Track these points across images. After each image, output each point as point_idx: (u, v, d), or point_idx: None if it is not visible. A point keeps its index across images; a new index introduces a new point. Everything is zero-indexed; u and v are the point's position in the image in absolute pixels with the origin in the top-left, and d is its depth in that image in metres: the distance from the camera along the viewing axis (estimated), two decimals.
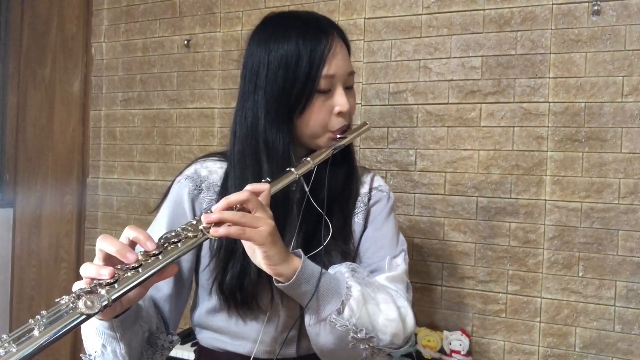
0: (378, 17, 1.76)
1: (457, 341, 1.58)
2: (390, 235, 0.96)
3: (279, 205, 0.85)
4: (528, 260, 1.57)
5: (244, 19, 1.97)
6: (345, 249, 0.92)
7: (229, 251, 0.87)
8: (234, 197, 0.72)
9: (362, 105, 1.77)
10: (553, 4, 1.55)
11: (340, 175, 0.95)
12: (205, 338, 0.96)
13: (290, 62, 0.86)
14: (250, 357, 0.90)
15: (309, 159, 0.86)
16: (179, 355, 1.61)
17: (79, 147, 2.30)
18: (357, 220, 0.96)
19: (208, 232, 0.69)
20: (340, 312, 0.78)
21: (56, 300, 0.60)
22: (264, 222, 0.72)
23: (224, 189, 0.92)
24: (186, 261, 0.92)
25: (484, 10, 1.63)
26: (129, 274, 0.63)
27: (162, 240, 0.68)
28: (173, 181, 0.98)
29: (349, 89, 0.93)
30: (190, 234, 0.69)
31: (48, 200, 2.34)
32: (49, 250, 2.34)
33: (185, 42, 2.06)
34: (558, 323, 1.54)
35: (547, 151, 1.56)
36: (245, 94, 0.91)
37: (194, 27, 2.05)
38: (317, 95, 0.88)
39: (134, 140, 2.18)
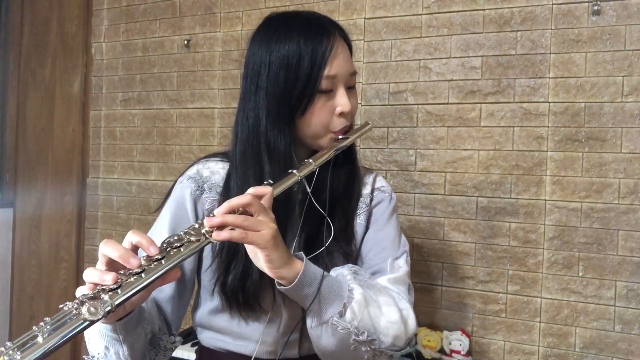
0: (378, 17, 1.76)
1: (457, 341, 1.58)
2: (392, 237, 0.96)
3: (281, 206, 0.85)
4: (528, 260, 1.57)
5: (244, 19, 1.97)
6: (347, 250, 0.92)
7: (232, 252, 0.87)
8: (236, 201, 0.72)
9: (362, 106, 1.77)
10: (553, 4, 1.55)
11: (343, 176, 0.95)
12: (207, 338, 0.96)
13: (291, 62, 0.86)
14: (251, 358, 0.90)
15: (310, 160, 0.86)
16: (179, 355, 1.61)
17: (79, 147, 2.30)
18: (359, 221, 0.96)
19: (210, 236, 0.69)
20: (342, 314, 0.78)
21: (60, 307, 0.60)
22: (267, 226, 0.72)
23: (226, 190, 0.92)
24: (188, 262, 0.92)
25: (484, 10, 1.63)
26: (132, 279, 0.63)
27: (164, 245, 0.68)
28: (175, 182, 0.98)
29: (351, 89, 0.93)
30: (192, 238, 0.69)
31: (48, 200, 2.34)
32: (49, 250, 2.34)
33: (185, 42, 2.06)
34: (558, 323, 1.54)
35: (547, 151, 1.56)
36: (247, 95, 0.91)
37: (194, 27, 2.05)
38: (318, 96, 0.88)
39: (134, 140, 2.18)
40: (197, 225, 0.71)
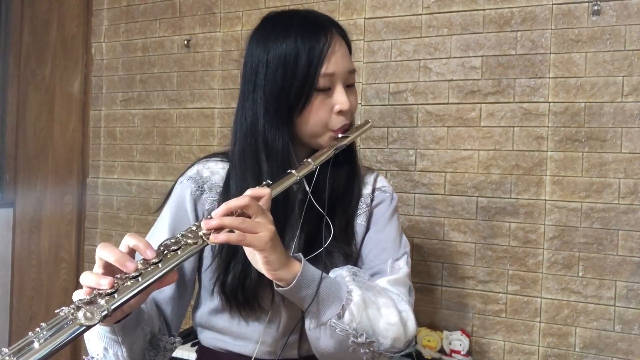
0: (378, 17, 1.76)
1: (457, 341, 1.58)
2: (392, 238, 0.96)
3: (280, 206, 0.85)
4: (528, 260, 1.57)
5: (244, 19, 1.97)
6: (347, 250, 0.92)
7: (231, 251, 0.87)
8: (234, 203, 0.71)
9: (362, 106, 1.77)
10: (553, 4, 1.55)
11: (343, 175, 0.94)
12: (207, 338, 0.96)
13: (288, 60, 0.86)
14: (252, 358, 0.90)
15: (310, 160, 0.85)
16: (179, 355, 1.61)
17: (79, 147, 2.30)
18: (360, 221, 0.96)
19: (208, 239, 0.69)
20: (340, 316, 0.78)
21: (56, 312, 0.60)
22: (264, 228, 0.72)
23: (226, 190, 0.92)
24: (188, 262, 0.92)
25: (484, 10, 1.63)
26: (129, 282, 0.63)
27: (161, 248, 0.68)
28: (175, 182, 0.98)
29: (350, 87, 0.92)
30: (190, 241, 0.69)
31: (48, 200, 2.34)
32: (49, 250, 2.34)
33: (185, 42, 2.06)
34: (558, 323, 1.54)
35: (547, 151, 1.56)
36: (245, 94, 0.91)
37: (194, 27, 2.05)
38: (316, 94, 0.87)
39: (134, 140, 2.18)
40: (194, 228, 0.71)
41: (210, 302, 0.93)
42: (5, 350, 0.54)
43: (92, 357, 0.78)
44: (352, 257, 0.93)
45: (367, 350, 0.80)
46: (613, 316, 1.48)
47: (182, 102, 2.08)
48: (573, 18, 1.53)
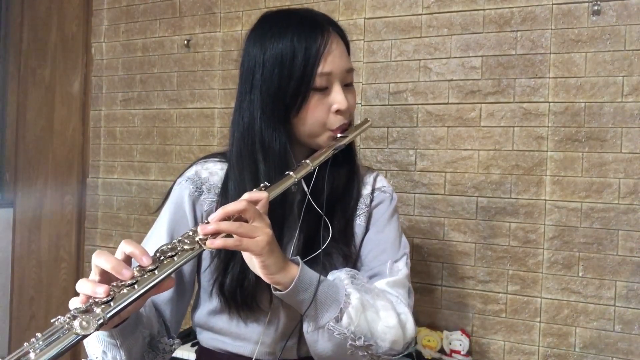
0: (378, 17, 1.76)
1: (457, 341, 1.58)
2: (392, 239, 0.95)
3: (278, 207, 0.84)
4: (528, 260, 1.57)
5: (244, 19, 1.97)
6: (346, 251, 0.91)
7: (230, 252, 0.86)
8: (231, 207, 0.71)
9: (362, 106, 1.77)
10: (553, 4, 1.55)
11: (342, 175, 0.94)
12: (206, 339, 0.96)
13: (285, 60, 0.85)
14: (251, 359, 0.90)
15: (308, 161, 0.84)
16: (179, 355, 1.61)
17: (79, 147, 2.30)
18: (359, 222, 0.95)
19: (204, 244, 0.69)
20: (338, 319, 0.77)
21: (52, 321, 0.60)
22: (262, 232, 0.71)
23: (225, 191, 0.91)
24: (187, 264, 0.92)
25: (484, 10, 1.63)
26: (125, 290, 0.63)
27: (158, 254, 0.68)
28: (174, 183, 0.97)
29: (348, 86, 0.91)
30: (186, 247, 0.68)
31: (48, 200, 2.34)
32: (49, 250, 2.34)
33: (185, 42, 2.06)
34: (558, 323, 1.54)
35: (547, 151, 1.56)
36: (242, 94, 0.90)
37: (194, 27, 2.05)
38: (313, 93, 0.86)
39: (134, 140, 2.18)
40: (191, 233, 0.70)
41: (209, 303, 0.92)
42: None
43: None
44: (352, 258, 0.93)
45: (366, 353, 0.80)
46: (613, 316, 1.48)
47: (182, 102, 2.08)
48: (573, 18, 1.53)
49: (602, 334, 1.49)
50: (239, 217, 0.72)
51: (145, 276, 0.65)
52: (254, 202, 0.74)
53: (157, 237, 0.90)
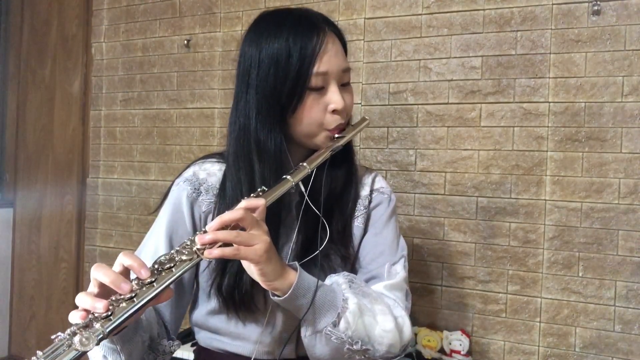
0: (378, 17, 1.76)
1: (457, 341, 1.58)
2: (390, 240, 0.95)
3: (276, 208, 0.84)
4: (528, 260, 1.57)
5: (244, 19, 1.97)
6: (344, 253, 0.91)
7: None
8: (228, 216, 0.71)
9: (362, 106, 1.77)
10: (553, 4, 1.55)
11: (340, 176, 0.93)
12: (205, 338, 0.96)
13: (280, 59, 0.84)
14: (250, 358, 0.90)
15: (305, 164, 0.84)
16: (178, 355, 1.61)
17: (79, 147, 2.30)
18: (357, 223, 0.95)
19: (202, 254, 0.69)
20: (336, 324, 0.77)
21: (52, 338, 0.61)
22: (259, 239, 0.71)
23: (222, 192, 0.91)
24: None
25: (484, 10, 1.63)
26: (124, 304, 0.63)
27: (156, 265, 0.68)
28: (172, 183, 0.97)
29: (345, 86, 0.90)
30: (184, 257, 0.68)
31: (48, 200, 2.34)
32: (49, 250, 2.34)
33: (185, 42, 2.06)
34: (558, 323, 1.54)
35: (547, 151, 1.55)
36: (239, 94, 0.90)
37: (194, 27, 2.05)
38: (309, 93, 0.86)
39: (134, 140, 2.18)
40: (188, 243, 0.70)
41: (207, 303, 0.92)
42: None
43: None
44: (350, 260, 0.92)
45: (363, 357, 0.80)
46: (613, 316, 1.48)
47: (182, 102, 2.08)
48: (573, 18, 1.53)
49: (602, 334, 1.49)
50: (236, 225, 0.72)
51: (144, 289, 0.65)
52: (252, 209, 0.74)
53: (155, 239, 0.90)
